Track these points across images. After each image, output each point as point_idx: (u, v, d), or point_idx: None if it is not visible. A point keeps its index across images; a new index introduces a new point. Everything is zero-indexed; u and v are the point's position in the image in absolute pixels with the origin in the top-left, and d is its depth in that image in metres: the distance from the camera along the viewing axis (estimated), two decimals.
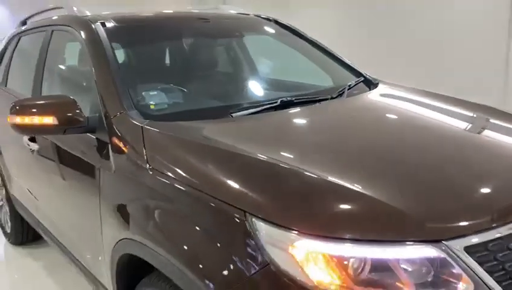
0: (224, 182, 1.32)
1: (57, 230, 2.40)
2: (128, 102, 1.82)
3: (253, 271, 1.16)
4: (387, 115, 2.05)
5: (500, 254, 1.15)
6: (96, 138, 1.85)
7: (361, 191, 1.21)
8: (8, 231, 3.56)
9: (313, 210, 1.19)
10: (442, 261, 1.10)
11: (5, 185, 3.29)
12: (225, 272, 1.21)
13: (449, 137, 1.73)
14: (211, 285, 1.22)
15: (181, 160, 1.50)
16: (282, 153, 1.47)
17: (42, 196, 2.54)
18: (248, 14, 2.89)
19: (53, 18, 2.71)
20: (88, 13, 2.46)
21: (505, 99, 5.59)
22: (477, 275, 1.11)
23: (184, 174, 1.42)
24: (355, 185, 1.23)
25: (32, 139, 2.41)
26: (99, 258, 1.88)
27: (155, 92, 2.02)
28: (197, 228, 1.32)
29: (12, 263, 3.32)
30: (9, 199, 3.28)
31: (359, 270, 1.11)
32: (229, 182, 1.31)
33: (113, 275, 1.77)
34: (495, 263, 1.13)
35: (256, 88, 2.56)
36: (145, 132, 1.64)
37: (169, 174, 1.45)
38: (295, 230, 1.13)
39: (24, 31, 3.19)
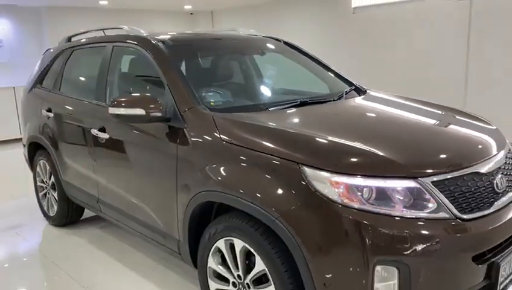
0: (280, 146, 2.06)
1: (126, 203, 3.04)
2: (196, 100, 2.56)
3: (305, 197, 1.90)
4: (375, 109, 2.87)
5: (452, 187, 1.93)
6: (170, 125, 2.56)
7: (368, 149, 1.98)
8: (52, 214, 4.17)
9: (339, 159, 1.95)
10: (418, 190, 1.87)
11: (56, 175, 3.90)
12: (286, 201, 1.94)
13: (418, 120, 2.57)
14: (275, 210, 1.95)
15: (246, 135, 2.23)
16: (310, 129, 2.24)
17: (109, 176, 3.18)
18: (260, 36, 3.68)
19: (112, 36, 3.40)
20: (143, 32, 3.20)
21: (464, 106, 6.60)
22: (439, 199, 1.88)
23: (251, 143, 2.15)
24: (364, 145, 2.00)
25: (102, 130, 3.09)
26: (173, 216, 2.56)
27: (211, 93, 2.77)
28: (262, 176, 2.05)
29: (59, 240, 3.90)
30: (59, 185, 3.90)
31: (368, 194, 1.86)
32: (284, 146, 2.06)
33: (185, 225, 2.47)
34: (449, 191, 1.91)
35: (276, 92, 3.33)
36: (215, 119, 2.38)
37: (239, 144, 2.18)
38: (330, 171, 1.88)
39: (77, 46, 3.85)
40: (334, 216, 1.84)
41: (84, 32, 4.12)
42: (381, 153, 1.96)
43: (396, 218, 1.82)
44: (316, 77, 3.54)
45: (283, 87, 3.56)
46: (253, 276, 2.14)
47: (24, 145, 4.69)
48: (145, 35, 3.13)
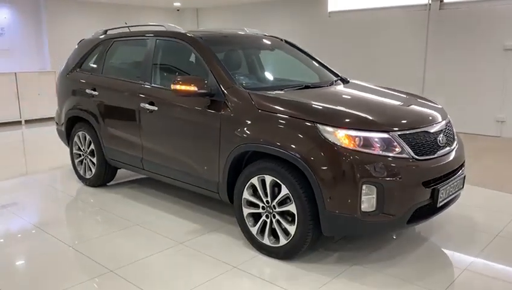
0: (301, 112, 3.10)
1: (170, 159, 3.97)
2: (233, 81, 3.57)
3: (318, 143, 2.94)
4: (359, 91, 3.95)
5: (411, 139, 3.03)
6: (213, 99, 3.56)
7: (359, 113, 3.07)
8: (88, 177, 5.06)
9: (341, 119, 3.01)
10: (389, 139, 2.96)
11: (97, 142, 4.78)
12: (306, 146, 2.98)
13: (389, 98, 3.70)
14: (299, 153, 2.98)
15: (276, 105, 3.25)
16: (318, 101, 3.31)
17: (155, 140, 4.12)
18: (265, 35, 4.72)
19: (155, 31, 4.34)
20: (179, 28, 4.19)
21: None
22: (402, 146, 2.97)
23: (280, 111, 3.17)
24: (356, 111, 3.09)
25: (151, 104, 4.04)
26: (215, 165, 3.55)
27: (242, 77, 3.79)
28: (289, 131, 3.08)
29: (99, 195, 4.80)
30: (99, 151, 4.79)
31: (358, 141, 2.93)
32: (304, 112, 3.10)
33: (226, 171, 3.47)
34: (409, 141, 3.01)
35: (284, 79, 4.37)
36: (251, 95, 3.40)
37: (271, 111, 3.21)
38: (335, 126, 2.95)
39: (118, 37, 4.77)
40: (337, 154, 2.90)
41: (119, 28, 5.03)
42: (367, 116, 3.05)
43: (376, 156, 2.90)
44: (310, 69, 4.61)
45: (287, 76, 4.60)
46: (279, 199, 3.17)
47: (57, 123, 5.55)
48: (184, 31, 4.10)
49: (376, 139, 2.95)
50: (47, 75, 10.08)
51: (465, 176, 3.47)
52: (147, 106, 4.08)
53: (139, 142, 4.28)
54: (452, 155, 3.33)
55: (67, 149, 5.33)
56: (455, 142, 3.49)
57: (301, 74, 4.58)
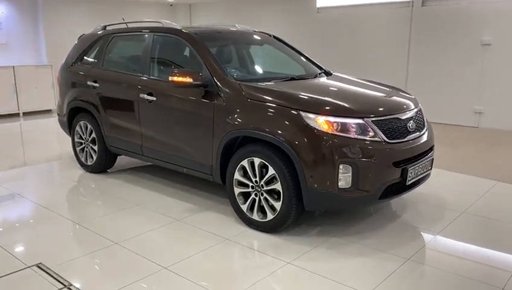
0: (287, 101, 3.48)
1: (168, 145, 4.34)
2: (225, 73, 3.94)
3: (301, 128, 3.33)
4: (339, 83, 4.34)
5: (383, 124, 3.42)
6: (207, 90, 3.93)
7: (337, 102, 3.47)
8: (89, 163, 5.41)
9: (321, 107, 3.40)
10: (364, 125, 3.35)
11: (98, 131, 5.13)
12: (290, 131, 3.36)
13: (365, 88, 4.10)
14: (282, 137, 3.36)
15: (263, 95, 3.63)
16: (302, 91, 3.70)
17: (154, 127, 4.48)
18: (255, 30, 5.09)
19: (152, 27, 4.69)
20: (175, 24, 4.55)
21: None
22: (375, 131, 3.37)
23: (268, 100, 3.55)
24: (334, 100, 3.49)
25: (150, 94, 4.40)
26: (208, 149, 3.92)
27: (233, 69, 4.17)
28: (275, 118, 3.45)
29: (101, 181, 5.16)
30: (100, 139, 5.14)
31: (336, 126, 3.32)
32: (289, 101, 3.48)
33: (219, 155, 3.85)
34: (381, 127, 3.40)
35: (271, 72, 4.74)
36: (241, 85, 3.77)
37: (259, 100, 3.58)
38: (316, 113, 3.33)
39: (118, 33, 5.11)
40: (317, 138, 3.28)
41: (118, 23, 5.37)
42: (344, 104, 3.45)
43: (351, 139, 3.29)
44: (296, 63, 4.99)
45: (275, 69, 4.97)
46: (266, 179, 3.56)
47: (59, 114, 5.89)
48: (179, 28, 4.46)
49: (352, 125, 3.34)
50: (44, 68, 10.36)
51: (433, 159, 3.88)
52: (146, 97, 4.43)
53: (139, 130, 4.64)
54: (422, 140, 3.74)
55: (66, 139, 5.69)
56: (425, 128, 3.89)
57: (288, 67, 4.96)
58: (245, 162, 3.68)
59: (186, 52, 4.48)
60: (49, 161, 6.25)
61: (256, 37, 5.04)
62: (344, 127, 3.33)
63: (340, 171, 3.26)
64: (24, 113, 10.06)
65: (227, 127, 3.75)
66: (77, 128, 5.48)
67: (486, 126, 8.25)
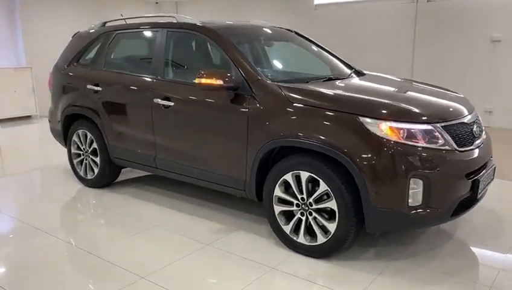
0: (343, 105, 2.99)
1: (190, 157, 3.77)
2: (259, 74, 3.42)
3: (361, 136, 2.84)
4: (383, 83, 3.85)
5: (451, 130, 2.97)
6: (238, 94, 3.40)
7: (400, 104, 2.99)
8: (90, 177, 4.79)
9: (383, 111, 2.91)
10: (432, 131, 2.89)
11: (101, 141, 4.52)
12: (350, 140, 2.87)
13: (416, 89, 3.62)
14: (338, 147, 2.87)
15: (310, 98, 3.13)
16: (352, 93, 3.22)
17: (171, 137, 3.92)
18: (276, 27, 4.58)
19: (165, 22, 4.12)
20: (189, 19, 4.01)
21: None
22: (445, 137, 2.91)
23: (316, 103, 3.05)
24: (395, 103, 3.00)
25: (166, 99, 3.83)
26: (241, 162, 3.39)
27: (265, 69, 3.64)
28: (330, 125, 2.96)
29: (101, 198, 4.55)
30: (103, 150, 4.54)
31: (402, 133, 2.84)
32: (343, 103, 2.99)
33: (254, 168, 3.32)
34: (450, 133, 2.94)
35: (301, 71, 4.24)
36: (281, 87, 3.25)
37: (306, 104, 3.08)
38: (378, 118, 2.85)
39: (121, 29, 4.51)
40: (382, 147, 2.80)
41: (117, 20, 4.77)
42: (410, 107, 2.97)
43: (421, 148, 2.82)
44: (322, 61, 4.50)
45: (301, 68, 4.47)
46: (317, 196, 3.06)
47: (50, 121, 5.25)
48: (198, 22, 3.91)
49: (420, 131, 2.87)
50: (23, 71, 9.57)
51: (495, 167, 3.45)
52: (162, 102, 3.86)
53: (152, 139, 4.06)
54: (484, 146, 3.30)
55: (56, 148, 5.02)
56: (483, 133, 3.47)
57: (314, 66, 4.47)
58: (288, 177, 3.17)
59: (208, 51, 3.95)
60: (40, 173, 5.58)
61: (280, 33, 4.52)
62: (411, 134, 2.85)
63: (411, 186, 2.79)
64: (1, 120, 9.26)
65: (266, 136, 3.23)
66: (74, 137, 4.85)
67: (497, 125, 7.97)
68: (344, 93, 3.23)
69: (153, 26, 4.22)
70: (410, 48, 8.70)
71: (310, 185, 3.11)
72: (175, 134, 3.90)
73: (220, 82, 3.32)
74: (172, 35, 4.04)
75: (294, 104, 3.14)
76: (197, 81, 3.36)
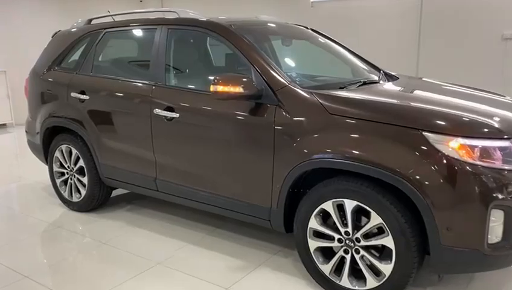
0: (397, 115, 2.40)
1: (198, 179, 3.16)
2: (287, 78, 2.81)
3: (426, 156, 2.26)
4: (430, 88, 3.30)
5: None
6: (259, 103, 2.79)
7: (473, 117, 2.40)
8: (76, 200, 4.11)
9: (452, 124, 2.33)
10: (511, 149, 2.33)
11: (89, 158, 3.85)
12: (411, 161, 2.28)
13: (475, 96, 3.11)
14: (401, 170, 2.28)
15: (355, 108, 2.53)
16: (408, 102, 2.66)
17: (176, 155, 3.27)
18: (290, 24, 3.97)
19: (165, 18, 3.47)
20: (193, 13, 3.38)
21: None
22: None
23: (365, 114, 2.46)
24: (467, 114, 2.42)
25: (169, 110, 3.19)
26: (266, 186, 2.79)
27: (291, 73, 3.03)
28: (382, 142, 2.37)
29: (90, 226, 3.86)
30: (92, 169, 3.87)
31: (477, 152, 2.27)
32: (403, 116, 2.40)
33: (283, 194, 2.72)
34: None
35: (328, 75, 3.65)
36: (315, 95, 2.65)
37: (351, 116, 2.48)
38: (447, 133, 2.27)
39: (111, 27, 3.84)
40: (455, 170, 2.22)
41: (106, 16, 4.11)
42: (485, 120, 2.39)
43: (502, 170, 2.25)
44: (343, 62, 3.91)
45: (320, 71, 3.87)
46: (367, 230, 2.47)
47: (27, 132, 4.55)
48: (206, 18, 3.28)
49: (498, 149, 2.30)
50: None
51: None
52: (164, 113, 3.22)
53: (152, 157, 3.41)
54: None
55: (30, 162, 4.33)
56: None
57: (336, 68, 3.89)
58: (328, 205, 2.58)
59: (221, 52, 3.31)
60: (16, 193, 4.86)
61: (297, 31, 3.91)
62: (487, 153, 2.28)
63: (491, 218, 2.22)
64: None
65: (298, 155, 2.63)
66: (57, 153, 4.16)
67: None
68: (397, 102, 2.64)
69: (150, 22, 3.57)
70: (415, 46, 8.20)
71: (356, 215, 2.52)
72: (180, 152, 3.26)
73: (240, 90, 2.70)
74: (175, 34, 3.40)
75: (335, 116, 2.54)
76: (212, 89, 2.73)
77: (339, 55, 3.92)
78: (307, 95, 2.69)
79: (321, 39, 3.97)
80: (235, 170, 2.98)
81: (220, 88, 2.70)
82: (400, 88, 3.22)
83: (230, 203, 3.06)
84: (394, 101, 2.65)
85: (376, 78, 3.46)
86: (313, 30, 4.05)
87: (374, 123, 2.43)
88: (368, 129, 2.44)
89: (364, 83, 3.16)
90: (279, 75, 2.82)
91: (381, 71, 3.73)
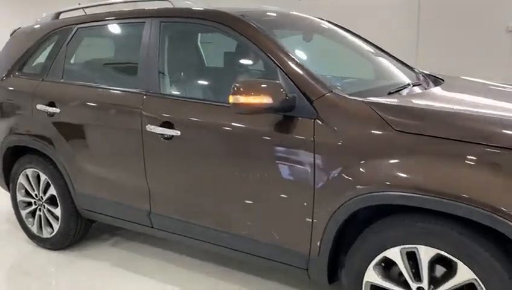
0: (497, 134, 1.76)
1: (209, 216, 2.47)
2: (327, 83, 2.14)
3: None
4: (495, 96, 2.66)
5: None
6: (289, 116, 2.11)
7: None
8: (48, 235, 3.34)
9: None
10: None
11: (62, 185, 3.11)
12: None
13: None
14: (508, 209, 1.64)
15: (428, 122, 1.88)
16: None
17: (177, 182, 2.56)
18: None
19: (155, 10, 2.74)
20: (190, 3, 2.68)
21: None
22: None
23: (443, 131, 1.81)
24: None
25: (167, 126, 2.47)
26: (302, 227, 2.12)
27: (329, 76, 2.34)
28: (476, 169, 1.73)
29: (68, 270, 3.11)
30: (66, 199, 3.12)
31: None
32: (502, 134, 1.76)
33: (329, 238, 2.05)
34: None
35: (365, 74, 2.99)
36: (371, 105, 1.99)
37: (421, 133, 1.83)
38: None
39: (87, 22, 3.08)
40: None
41: (76, 8, 3.36)
42: None
43: None
44: (366, 59, 3.30)
45: (340, 71, 3.22)
46: (453, 287, 1.83)
47: None
48: (210, 8, 2.58)
49: None
50: None
51: None
52: (160, 130, 2.50)
53: (144, 186, 2.68)
54: None
55: None
56: None
57: (363, 69, 3.26)
58: (394, 253, 1.93)
59: (232, 50, 2.61)
60: None
61: (314, 23, 3.22)
62: None
63: None
64: None
65: (351, 186, 1.96)
66: (21, 179, 3.37)
67: None
68: (484, 113, 1.98)
69: (136, 15, 2.82)
70: (414, 39, 7.66)
71: (436, 268, 1.87)
72: (183, 180, 2.55)
73: (268, 100, 2.01)
74: (170, 29, 2.68)
75: (404, 134, 1.88)
76: (232, 100, 2.02)
77: (363, 52, 3.28)
78: (359, 106, 2.02)
79: (342, 33, 3.32)
80: (260, 204, 2.29)
81: (243, 99, 2.00)
82: (463, 93, 2.58)
83: (252, 245, 2.37)
84: (480, 111, 2.00)
85: (416, 80, 2.81)
86: (330, 22, 3.39)
87: (462, 143, 1.78)
88: (453, 151, 1.79)
89: (405, 87, 2.51)
90: (316, 79, 2.14)
91: (418, 71, 3.11)
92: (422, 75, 2.98)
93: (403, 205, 1.87)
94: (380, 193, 1.89)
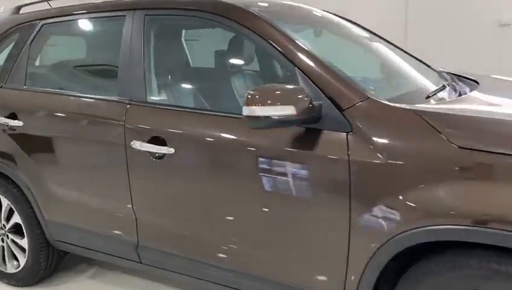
0: None
1: (211, 247, 2.02)
2: (361, 88, 1.73)
3: None
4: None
5: None
6: (312, 129, 1.70)
7: None
8: (11, 271, 2.83)
9: None
10: None
11: (29, 213, 2.62)
12: None
13: None
14: None
15: (497, 136, 1.50)
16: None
17: (173, 211, 2.10)
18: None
19: (138, 1, 2.28)
20: None
21: None
22: None
23: None
24: None
25: (157, 142, 2.02)
26: (333, 267, 1.72)
27: (360, 78, 1.92)
28: None
29: None
30: (34, 228, 2.63)
31: None
32: None
33: (369, 282, 1.65)
34: None
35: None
36: (422, 115, 1.58)
37: (490, 150, 1.45)
38: None
39: (53, 17, 2.59)
40: None
41: (40, 1, 2.87)
42: None
43: None
44: (376, 57, 2.92)
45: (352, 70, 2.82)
46: None
47: None
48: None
49: None
50: None
51: None
52: (148, 147, 2.04)
53: (130, 214, 2.22)
54: None
55: None
56: None
57: (370, 67, 2.87)
58: None
59: (236, 50, 2.17)
60: None
61: (323, 17, 2.81)
62: None
63: None
64: None
65: (399, 217, 1.55)
66: None
67: None
68: None
69: (114, 7, 2.34)
70: (402, 33, 7.37)
71: None
72: (180, 207, 2.09)
73: (289, 111, 1.58)
74: (157, 23, 2.21)
75: (469, 152, 1.48)
76: (246, 113, 1.58)
77: (373, 48, 2.90)
78: (406, 116, 1.61)
79: (351, 27, 2.93)
80: (277, 239, 1.86)
81: (260, 111, 1.56)
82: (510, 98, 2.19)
83: (269, 286, 1.94)
84: None
85: (446, 80, 2.44)
86: (336, 15, 2.99)
87: None
88: None
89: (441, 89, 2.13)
90: (348, 82, 1.73)
91: (436, 71, 2.74)
92: (447, 74, 2.61)
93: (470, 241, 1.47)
94: (440, 228, 1.48)
